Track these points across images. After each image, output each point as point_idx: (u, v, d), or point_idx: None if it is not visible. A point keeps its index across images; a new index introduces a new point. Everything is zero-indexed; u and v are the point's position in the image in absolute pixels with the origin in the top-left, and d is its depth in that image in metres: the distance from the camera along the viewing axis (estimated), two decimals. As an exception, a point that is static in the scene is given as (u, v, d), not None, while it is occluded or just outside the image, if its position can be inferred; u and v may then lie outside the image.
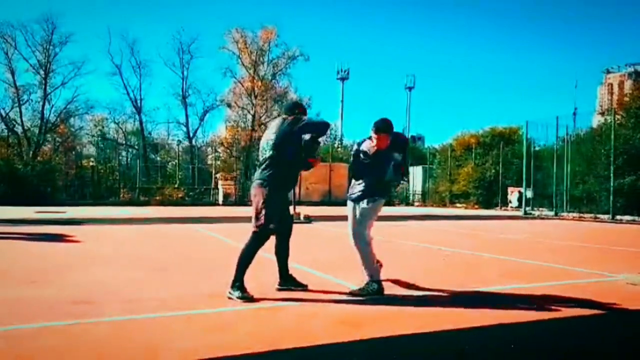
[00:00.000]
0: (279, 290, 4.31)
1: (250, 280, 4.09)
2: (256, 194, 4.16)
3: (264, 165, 4.19)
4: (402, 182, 4.63)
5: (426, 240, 9.37)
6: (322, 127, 4.38)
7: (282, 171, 4.14)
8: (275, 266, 4.40)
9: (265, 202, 4.08)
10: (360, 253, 4.31)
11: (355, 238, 4.34)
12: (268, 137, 4.24)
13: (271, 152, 4.15)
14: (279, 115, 4.63)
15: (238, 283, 3.99)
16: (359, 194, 4.35)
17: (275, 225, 4.12)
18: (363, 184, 4.36)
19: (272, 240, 4.32)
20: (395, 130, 4.44)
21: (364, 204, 4.33)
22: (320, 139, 4.47)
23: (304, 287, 4.34)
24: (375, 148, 4.32)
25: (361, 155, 4.44)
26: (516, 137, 27.37)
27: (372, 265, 4.29)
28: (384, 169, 4.33)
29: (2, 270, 5.36)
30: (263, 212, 4.07)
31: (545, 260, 6.59)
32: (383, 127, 4.30)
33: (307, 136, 4.21)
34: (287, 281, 4.36)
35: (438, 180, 30.57)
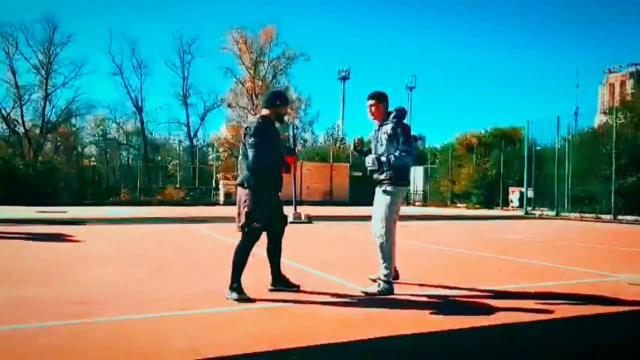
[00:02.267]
0: (271, 290, 4.28)
1: (250, 280, 4.09)
2: (239, 194, 4.19)
3: (243, 168, 4.21)
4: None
5: (427, 240, 9.36)
6: (255, 161, 4.04)
7: (258, 174, 4.09)
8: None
9: (245, 201, 4.08)
10: (377, 248, 4.34)
11: (373, 231, 4.40)
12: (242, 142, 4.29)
13: (242, 157, 4.23)
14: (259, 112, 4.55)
15: (235, 284, 3.98)
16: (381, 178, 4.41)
17: (263, 224, 4.08)
18: (386, 170, 4.40)
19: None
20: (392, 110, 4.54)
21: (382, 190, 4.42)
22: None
23: (296, 288, 4.30)
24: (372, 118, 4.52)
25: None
26: (517, 137, 27.33)
27: (389, 263, 4.30)
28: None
29: (2, 270, 5.36)
30: (244, 211, 4.06)
31: (546, 260, 6.58)
32: (370, 95, 4.53)
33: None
34: (279, 282, 4.33)
35: (439, 180, 30.54)
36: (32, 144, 30.50)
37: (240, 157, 4.30)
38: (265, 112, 4.29)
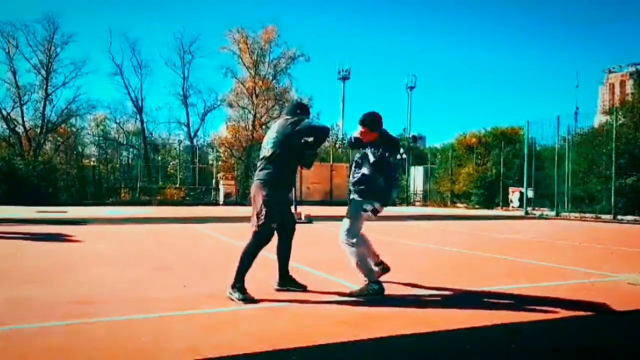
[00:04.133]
0: (278, 290, 4.30)
1: (250, 280, 4.09)
2: (256, 193, 4.15)
3: (263, 164, 4.19)
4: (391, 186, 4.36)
5: (427, 240, 9.36)
6: (321, 132, 4.32)
7: (281, 171, 4.13)
8: (275, 265, 4.39)
9: (266, 201, 4.07)
10: (348, 254, 4.30)
11: (342, 238, 4.34)
12: (270, 136, 4.25)
13: (272, 151, 4.16)
14: (279, 116, 4.59)
15: (239, 284, 3.97)
16: (358, 191, 4.31)
17: (277, 224, 4.12)
18: (361, 183, 4.30)
19: (274, 240, 4.32)
20: (384, 128, 4.41)
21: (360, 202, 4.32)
22: (318, 145, 4.41)
23: (303, 288, 4.32)
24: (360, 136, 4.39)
25: (352, 140, 4.49)
26: (517, 137, 27.34)
27: (365, 266, 4.25)
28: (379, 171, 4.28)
29: (2, 270, 5.36)
30: (264, 211, 4.05)
31: (546, 260, 6.58)
32: (362, 119, 4.37)
33: (310, 139, 4.22)
34: (287, 282, 4.34)
35: (439, 180, 30.55)
36: (32, 144, 30.47)
37: (260, 155, 4.28)
38: (287, 117, 4.32)
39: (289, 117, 4.27)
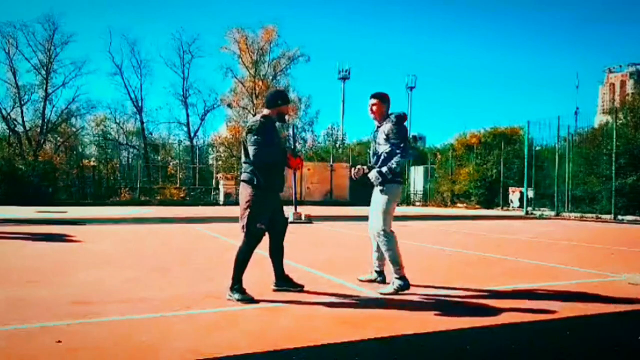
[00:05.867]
0: (275, 291, 4.29)
1: (249, 280, 4.09)
2: (241, 193, 4.18)
3: (244, 166, 4.22)
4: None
5: (427, 240, 9.35)
6: (256, 158, 4.03)
7: (260, 172, 4.09)
8: (271, 266, 4.39)
9: (249, 201, 4.06)
10: (382, 247, 4.42)
11: (375, 230, 4.45)
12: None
13: (244, 157, 4.22)
14: (260, 111, 4.55)
15: (237, 285, 3.98)
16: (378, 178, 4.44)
17: (265, 225, 4.09)
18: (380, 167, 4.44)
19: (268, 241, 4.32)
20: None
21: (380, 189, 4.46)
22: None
23: (300, 288, 4.31)
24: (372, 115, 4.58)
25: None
26: (517, 137, 27.36)
27: (396, 260, 4.34)
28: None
29: (2, 270, 5.36)
30: (247, 211, 4.05)
31: (546, 260, 6.58)
32: (374, 93, 4.58)
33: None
34: (283, 282, 4.34)
35: (439, 180, 30.56)
36: (32, 144, 30.50)
37: (242, 158, 4.29)
38: (266, 111, 4.29)
39: (269, 110, 4.26)
